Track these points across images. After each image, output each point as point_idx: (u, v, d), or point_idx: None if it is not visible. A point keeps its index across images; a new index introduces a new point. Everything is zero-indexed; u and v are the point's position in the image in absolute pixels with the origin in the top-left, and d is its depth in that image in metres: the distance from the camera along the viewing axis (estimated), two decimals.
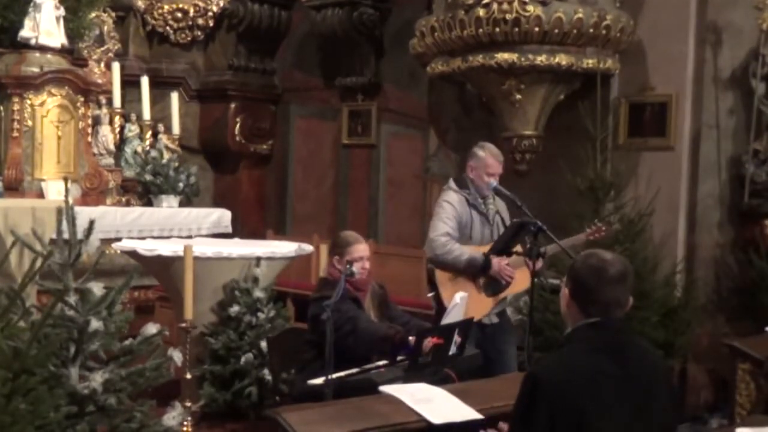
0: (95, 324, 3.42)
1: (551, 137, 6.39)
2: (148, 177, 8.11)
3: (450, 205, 4.92)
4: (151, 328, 3.69)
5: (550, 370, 2.67)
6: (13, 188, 7.03)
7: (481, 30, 5.97)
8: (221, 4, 9.11)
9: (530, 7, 5.83)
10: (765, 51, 5.81)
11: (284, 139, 9.56)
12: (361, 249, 4.50)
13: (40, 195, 7.04)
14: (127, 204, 7.94)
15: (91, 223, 3.67)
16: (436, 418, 3.19)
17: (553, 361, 2.74)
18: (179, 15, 9.09)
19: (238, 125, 9.34)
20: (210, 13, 9.11)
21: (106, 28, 8.52)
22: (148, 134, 8.49)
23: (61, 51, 7.36)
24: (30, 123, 7.17)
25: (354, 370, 4.07)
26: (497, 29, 5.92)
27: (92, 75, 8.08)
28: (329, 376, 3.63)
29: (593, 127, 6.00)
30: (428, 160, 8.06)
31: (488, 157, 4.97)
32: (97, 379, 3.41)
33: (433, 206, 8.08)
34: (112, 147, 8.08)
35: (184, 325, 4.93)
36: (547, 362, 2.75)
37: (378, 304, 4.60)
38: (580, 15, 5.89)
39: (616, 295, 2.68)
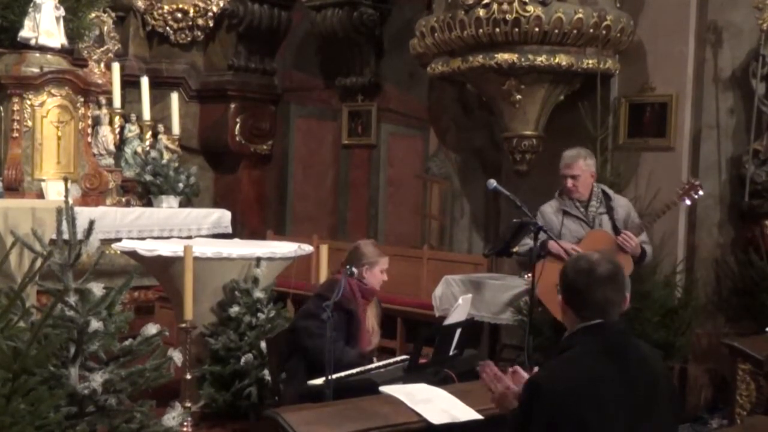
0: (95, 324, 3.42)
1: (551, 137, 6.39)
2: (148, 177, 8.11)
3: (540, 212, 5.06)
4: (151, 329, 3.69)
5: (551, 377, 2.65)
6: (13, 188, 7.02)
7: (481, 30, 5.97)
8: (221, 4, 9.11)
9: (530, 8, 5.83)
10: (765, 51, 5.81)
11: (284, 139, 9.56)
12: (387, 261, 4.61)
13: (40, 195, 7.04)
14: (127, 204, 7.94)
15: (91, 223, 3.67)
16: (436, 418, 3.19)
17: (553, 368, 2.71)
18: (179, 15, 9.10)
19: (238, 125, 9.34)
20: (210, 13, 9.11)
21: (106, 28, 8.53)
22: (148, 134, 8.49)
23: (61, 51, 7.36)
24: (30, 123, 7.16)
25: (354, 371, 4.07)
26: (497, 29, 5.91)
27: (92, 75, 8.09)
28: (329, 376, 3.63)
29: (593, 128, 6.00)
30: (428, 160, 8.06)
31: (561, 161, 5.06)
32: (97, 379, 3.41)
33: (432, 206, 8.12)
34: (112, 147, 8.08)
35: (184, 325, 4.94)
36: (547, 369, 2.73)
37: (377, 313, 4.65)
38: (580, 15, 5.89)
39: (608, 295, 2.67)
